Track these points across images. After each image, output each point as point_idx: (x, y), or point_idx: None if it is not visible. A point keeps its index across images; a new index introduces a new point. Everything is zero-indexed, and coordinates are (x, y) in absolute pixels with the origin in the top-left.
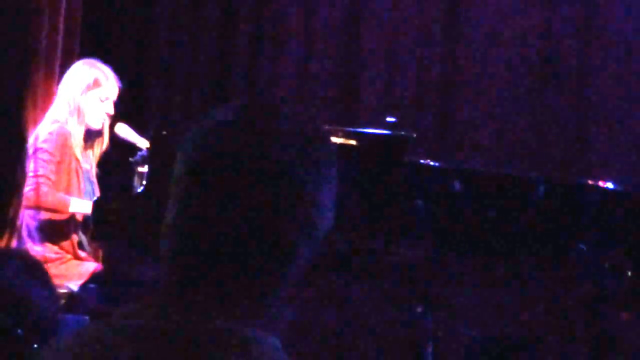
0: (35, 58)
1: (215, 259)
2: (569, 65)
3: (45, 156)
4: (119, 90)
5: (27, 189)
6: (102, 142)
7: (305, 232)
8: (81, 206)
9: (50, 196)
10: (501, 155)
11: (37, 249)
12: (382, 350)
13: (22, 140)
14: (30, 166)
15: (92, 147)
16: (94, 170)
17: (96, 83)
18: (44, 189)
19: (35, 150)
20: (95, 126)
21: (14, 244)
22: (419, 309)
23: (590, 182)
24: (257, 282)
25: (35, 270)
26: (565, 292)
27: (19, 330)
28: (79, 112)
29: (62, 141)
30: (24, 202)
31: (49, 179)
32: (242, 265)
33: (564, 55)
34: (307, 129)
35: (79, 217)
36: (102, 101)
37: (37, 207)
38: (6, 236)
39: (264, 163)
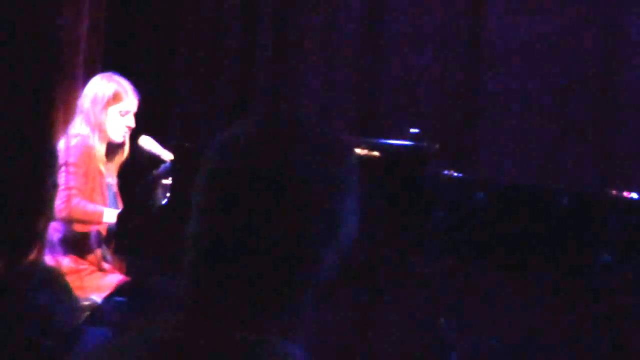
0: (59, 71)
1: (239, 271)
2: (592, 74)
3: (72, 169)
4: (139, 103)
5: (59, 202)
6: (123, 153)
7: (329, 243)
8: (113, 217)
9: (84, 207)
10: (524, 166)
11: (61, 261)
12: None
13: (49, 153)
14: (60, 180)
15: (113, 159)
16: (115, 182)
17: (116, 97)
18: (75, 200)
19: (62, 164)
20: (117, 140)
21: (43, 257)
22: (442, 320)
23: (614, 192)
24: (282, 293)
25: (57, 281)
26: (589, 303)
27: (45, 342)
28: (100, 127)
29: (86, 154)
30: (56, 215)
31: (79, 190)
32: (266, 277)
33: (587, 64)
34: (329, 139)
35: (102, 230)
36: (122, 115)
37: (70, 219)
38: (35, 250)
39: (287, 174)
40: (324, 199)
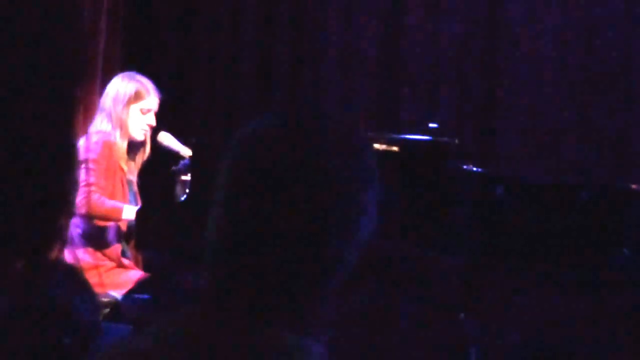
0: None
1: (259, 266)
2: (610, 71)
3: (92, 165)
4: (160, 101)
5: (79, 198)
6: (144, 152)
7: (348, 238)
8: (133, 213)
9: (103, 203)
10: (543, 160)
11: (80, 257)
12: (427, 357)
13: (71, 150)
14: (80, 176)
15: (134, 158)
16: (135, 180)
17: (137, 96)
18: (95, 196)
19: (82, 160)
20: (138, 138)
21: (64, 254)
22: (462, 315)
23: (633, 186)
24: (302, 288)
25: (76, 278)
26: (609, 297)
27: (65, 340)
28: (121, 126)
29: (107, 151)
30: (77, 211)
31: (99, 187)
32: (287, 272)
33: (605, 61)
34: (349, 135)
35: (122, 226)
36: (143, 113)
37: (89, 215)
38: (57, 247)
39: (307, 169)
40: (343, 194)
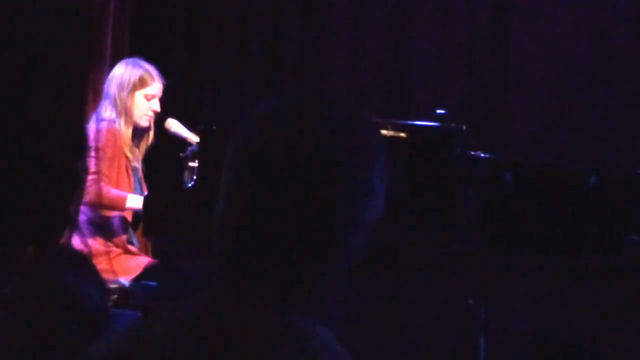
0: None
1: (265, 251)
2: (620, 56)
3: (97, 153)
4: (164, 87)
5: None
6: (148, 139)
7: (355, 222)
8: (137, 202)
9: (107, 192)
10: (552, 146)
11: (88, 243)
12: (436, 342)
13: (81, 137)
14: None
15: (138, 145)
16: (140, 167)
17: (142, 82)
18: (99, 185)
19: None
20: (143, 124)
21: (73, 241)
22: (471, 302)
23: None
24: (309, 272)
25: (85, 264)
26: (618, 283)
27: (74, 326)
28: (126, 112)
29: (112, 138)
30: (84, 199)
31: (104, 174)
32: (293, 256)
33: (614, 47)
34: (355, 117)
35: (127, 214)
36: (148, 100)
37: (93, 204)
38: (66, 233)
39: (312, 153)
40: (349, 177)
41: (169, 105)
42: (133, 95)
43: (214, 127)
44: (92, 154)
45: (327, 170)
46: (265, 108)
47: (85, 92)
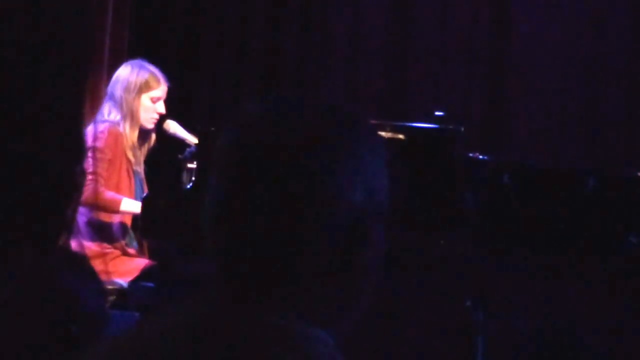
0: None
1: (262, 253)
2: (619, 55)
3: (97, 154)
4: (168, 89)
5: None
6: (151, 140)
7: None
8: (131, 206)
9: (102, 194)
10: (550, 148)
11: (85, 245)
12: (433, 343)
13: (79, 139)
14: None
15: (141, 147)
16: (142, 169)
17: (148, 85)
18: (95, 186)
19: (88, 148)
20: (148, 126)
21: (71, 243)
22: (469, 303)
23: (639, 173)
24: (306, 273)
25: (82, 266)
26: (616, 284)
27: (72, 327)
28: (132, 115)
29: (113, 140)
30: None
31: (102, 176)
32: (289, 258)
33: (615, 47)
34: (347, 114)
35: (124, 217)
36: (154, 102)
37: (88, 205)
38: (64, 235)
39: (299, 149)
40: (337, 177)
41: (168, 107)
42: (139, 98)
43: (212, 129)
44: (92, 155)
45: (321, 170)
46: (252, 108)
47: (84, 94)
